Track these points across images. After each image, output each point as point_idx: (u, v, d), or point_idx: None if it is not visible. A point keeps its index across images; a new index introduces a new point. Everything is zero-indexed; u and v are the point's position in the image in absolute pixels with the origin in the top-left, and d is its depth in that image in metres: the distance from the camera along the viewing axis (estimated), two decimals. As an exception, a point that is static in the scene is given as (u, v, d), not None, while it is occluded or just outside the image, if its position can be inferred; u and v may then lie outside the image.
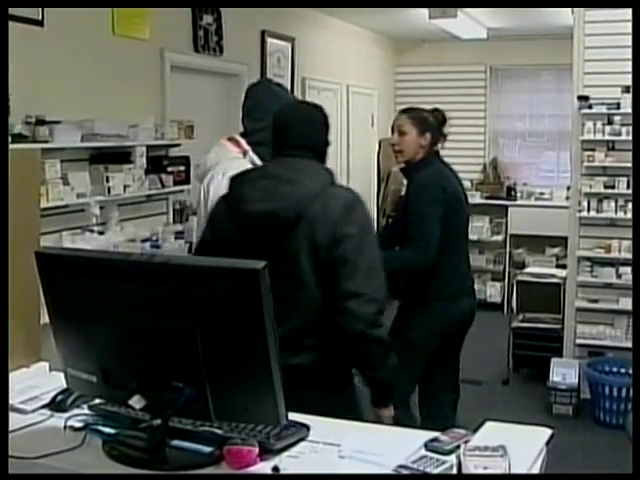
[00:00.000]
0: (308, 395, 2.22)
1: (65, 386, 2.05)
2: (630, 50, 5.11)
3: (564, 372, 5.30)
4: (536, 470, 1.76)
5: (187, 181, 4.90)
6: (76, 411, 2.06)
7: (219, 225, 2.53)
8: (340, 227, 2.36)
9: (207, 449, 1.82)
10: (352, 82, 7.90)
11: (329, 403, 2.29)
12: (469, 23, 7.25)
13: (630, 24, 5.15)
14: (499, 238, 8.56)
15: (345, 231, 2.36)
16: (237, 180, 2.56)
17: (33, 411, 2.08)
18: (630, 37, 5.12)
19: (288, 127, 2.54)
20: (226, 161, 3.13)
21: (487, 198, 8.58)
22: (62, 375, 2.02)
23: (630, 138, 5.23)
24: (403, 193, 3.82)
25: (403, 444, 1.85)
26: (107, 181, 4.16)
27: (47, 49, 3.98)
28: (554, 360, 5.41)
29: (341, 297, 2.35)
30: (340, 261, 2.35)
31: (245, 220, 2.44)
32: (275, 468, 1.76)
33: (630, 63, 5.14)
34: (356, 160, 8.03)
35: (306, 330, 2.42)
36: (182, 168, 4.86)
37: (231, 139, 3.25)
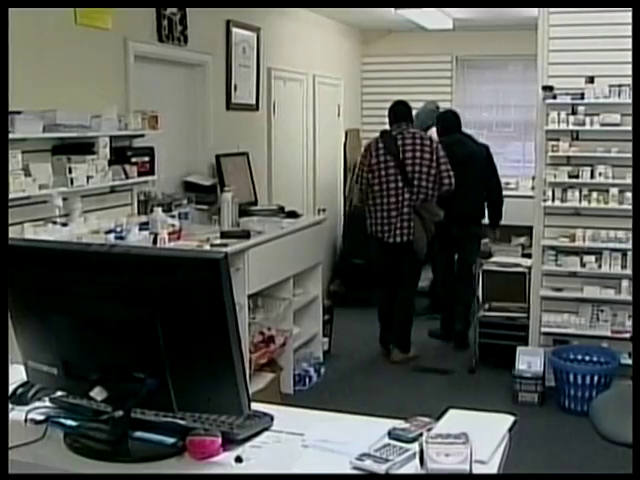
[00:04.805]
0: (475, 228, 6.50)
1: (26, 379, 2.04)
2: (595, 40, 5.22)
3: (529, 360, 5.34)
4: (498, 456, 1.77)
5: (152, 172, 4.84)
6: (37, 404, 2.05)
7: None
8: (484, 162, 6.42)
9: (170, 440, 1.81)
10: (318, 72, 7.88)
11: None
12: (435, 13, 7.26)
13: (594, 15, 5.23)
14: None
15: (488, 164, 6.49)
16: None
17: (-7, 404, 2.05)
18: (594, 27, 5.23)
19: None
20: None
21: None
22: (22, 368, 2.00)
23: (594, 128, 5.29)
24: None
25: (366, 432, 1.85)
26: (70, 172, 4.10)
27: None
28: (520, 348, 5.45)
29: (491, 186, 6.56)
30: (488, 176, 6.44)
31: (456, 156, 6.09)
32: (238, 458, 1.75)
33: (594, 54, 5.24)
34: (322, 151, 8.03)
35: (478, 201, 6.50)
36: (146, 159, 4.79)
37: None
